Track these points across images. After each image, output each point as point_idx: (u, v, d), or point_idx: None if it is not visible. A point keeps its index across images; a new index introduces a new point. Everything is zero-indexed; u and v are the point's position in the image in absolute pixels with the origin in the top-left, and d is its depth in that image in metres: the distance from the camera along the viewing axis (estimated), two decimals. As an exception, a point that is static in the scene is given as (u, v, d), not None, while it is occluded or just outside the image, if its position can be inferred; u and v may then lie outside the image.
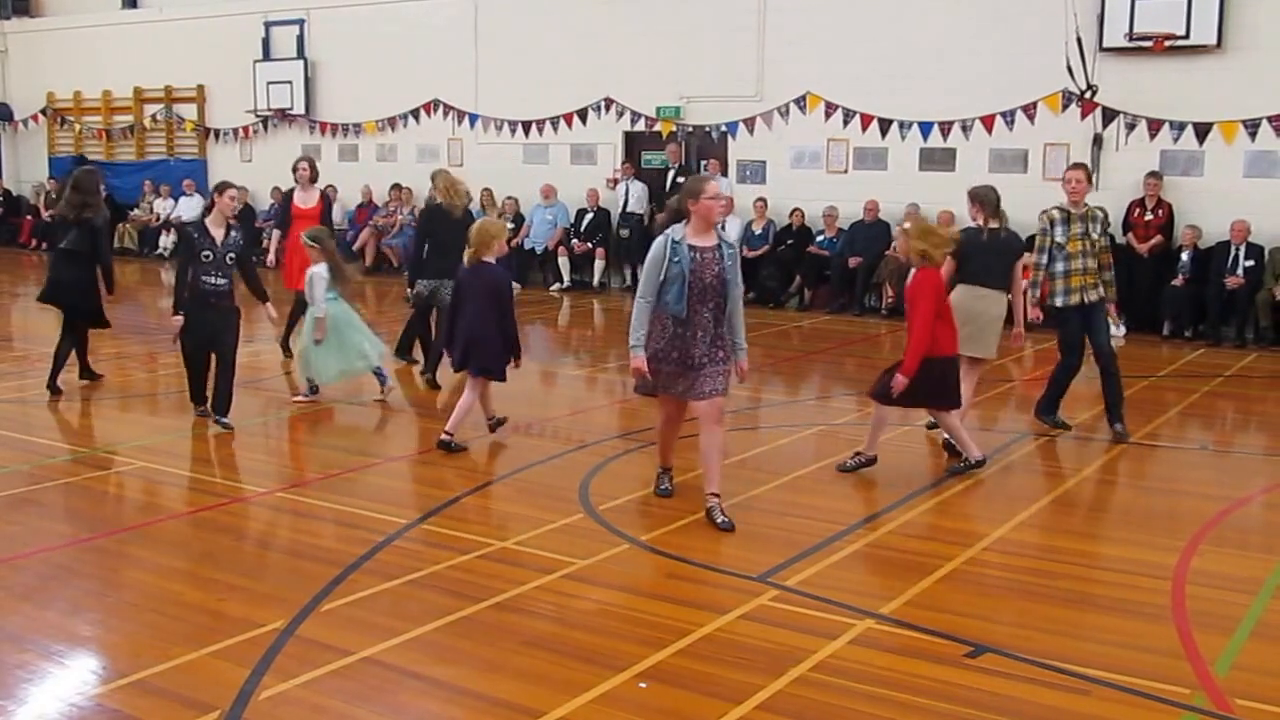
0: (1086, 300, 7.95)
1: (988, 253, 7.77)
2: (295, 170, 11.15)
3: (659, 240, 6.04)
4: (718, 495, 6.19)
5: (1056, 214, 7.96)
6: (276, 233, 11.72)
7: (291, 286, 10.68)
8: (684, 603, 5.08)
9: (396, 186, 18.82)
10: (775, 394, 10.16)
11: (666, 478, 6.70)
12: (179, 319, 8.12)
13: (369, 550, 5.65)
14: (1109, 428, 8.17)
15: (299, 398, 9.12)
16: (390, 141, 19.63)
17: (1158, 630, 4.82)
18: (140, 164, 22.60)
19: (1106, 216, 8.02)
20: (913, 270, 6.99)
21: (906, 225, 7.34)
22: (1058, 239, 7.90)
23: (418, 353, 10.26)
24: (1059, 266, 7.92)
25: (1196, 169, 13.60)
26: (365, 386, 9.27)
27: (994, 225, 7.83)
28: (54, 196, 22.49)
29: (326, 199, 11.54)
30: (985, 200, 7.85)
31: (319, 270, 8.87)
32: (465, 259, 7.65)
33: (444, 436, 7.61)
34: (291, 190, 11.23)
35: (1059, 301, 7.99)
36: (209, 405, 8.21)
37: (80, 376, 9.50)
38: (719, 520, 6.08)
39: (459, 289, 7.70)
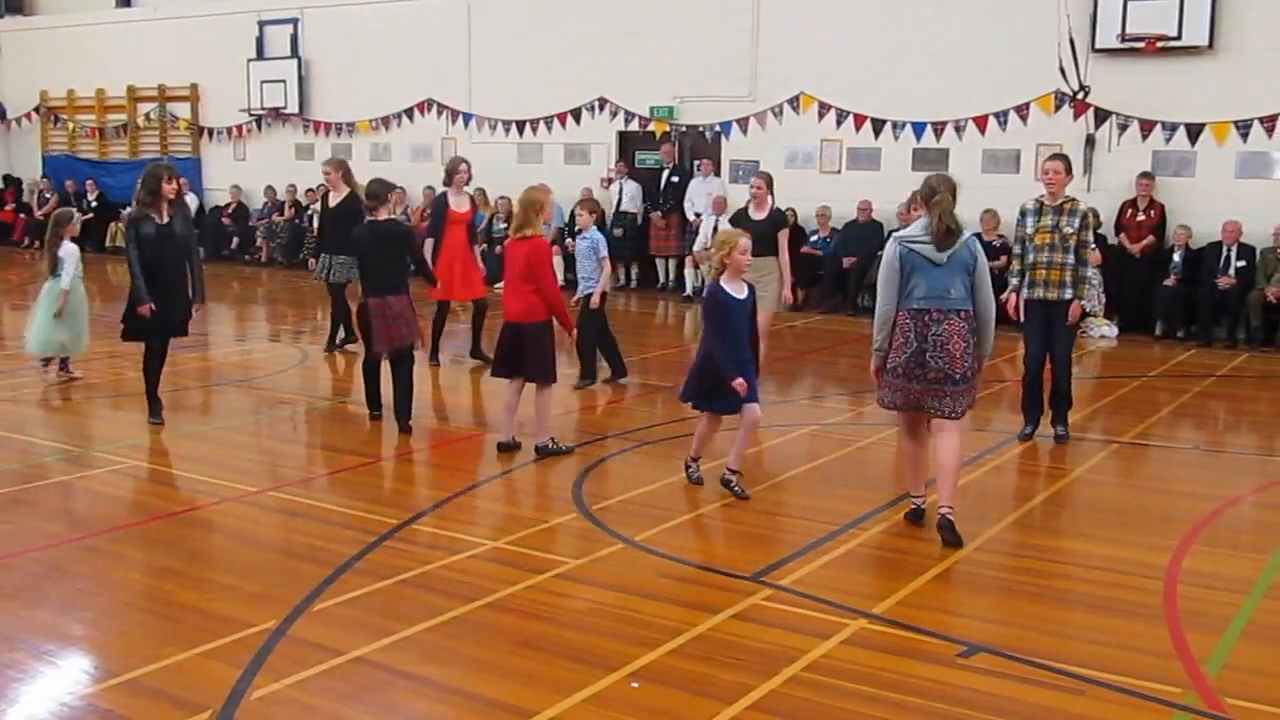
0: (1046, 297, 7.84)
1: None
2: (454, 173, 10.57)
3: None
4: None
5: (1030, 205, 8.01)
6: (430, 241, 10.45)
7: (444, 297, 10.47)
8: (676, 602, 5.08)
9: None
10: (768, 394, 10.10)
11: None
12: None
13: (361, 550, 5.64)
14: (1051, 427, 8.14)
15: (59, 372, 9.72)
16: (384, 141, 19.61)
17: (1150, 630, 4.83)
18: (133, 163, 22.45)
19: (1090, 213, 7.86)
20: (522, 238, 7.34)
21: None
22: (1028, 229, 7.94)
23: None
24: (1028, 258, 7.95)
25: (1188, 170, 13.62)
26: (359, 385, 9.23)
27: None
28: (46, 196, 22.51)
29: (474, 204, 11.08)
30: (771, 181, 9.72)
31: (73, 249, 9.48)
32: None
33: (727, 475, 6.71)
34: (445, 194, 10.65)
35: (1025, 294, 8.00)
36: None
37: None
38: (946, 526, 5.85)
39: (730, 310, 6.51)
